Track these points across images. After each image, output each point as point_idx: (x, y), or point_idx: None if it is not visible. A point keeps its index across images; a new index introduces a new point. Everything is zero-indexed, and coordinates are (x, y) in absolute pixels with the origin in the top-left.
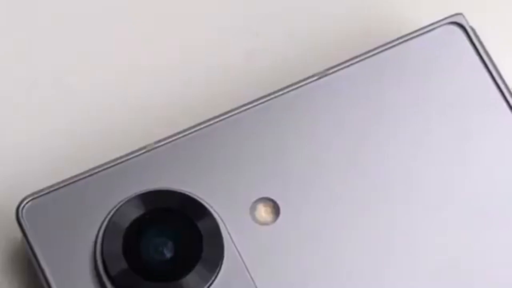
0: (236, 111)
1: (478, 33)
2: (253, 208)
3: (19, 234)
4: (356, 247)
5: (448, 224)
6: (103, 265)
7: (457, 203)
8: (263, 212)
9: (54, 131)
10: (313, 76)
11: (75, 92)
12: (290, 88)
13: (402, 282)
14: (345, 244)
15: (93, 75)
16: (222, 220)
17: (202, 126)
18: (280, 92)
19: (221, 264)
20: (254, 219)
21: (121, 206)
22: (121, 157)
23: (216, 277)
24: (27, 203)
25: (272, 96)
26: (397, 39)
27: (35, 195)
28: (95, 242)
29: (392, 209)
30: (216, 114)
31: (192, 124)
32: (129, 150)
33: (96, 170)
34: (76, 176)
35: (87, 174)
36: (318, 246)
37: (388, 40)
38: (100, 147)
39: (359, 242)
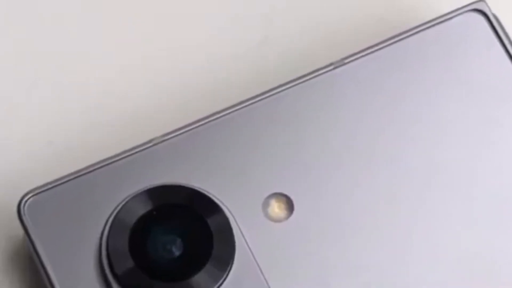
0: (247, 103)
1: (501, 20)
2: (265, 204)
3: (20, 232)
4: (376, 244)
5: (472, 214)
6: (108, 263)
7: (481, 192)
8: (276, 208)
9: (56, 126)
10: (329, 65)
11: (75, 90)
12: (305, 78)
13: (424, 278)
14: (364, 241)
15: (93, 74)
16: (233, 217)
17: (211, 118)
18: (295, 83)
19: (232, 262)
20: (267, 215)
21: (127, 202)
22: (127, 151)
23: (227, 276)
24: (28, 198)
25: (286, 86)
26: (417, 27)
27: (37, 191)
28: (100, 239)
29: (414, 203)
30: (225, 106)
31: (201, 116)
32: (135, 144)
33: (101, 164)
34: (80, 170)
35: (91, 169)
36: (335, 243)
37: (407, 28)
38: (103, 143)
39: (379, 238)
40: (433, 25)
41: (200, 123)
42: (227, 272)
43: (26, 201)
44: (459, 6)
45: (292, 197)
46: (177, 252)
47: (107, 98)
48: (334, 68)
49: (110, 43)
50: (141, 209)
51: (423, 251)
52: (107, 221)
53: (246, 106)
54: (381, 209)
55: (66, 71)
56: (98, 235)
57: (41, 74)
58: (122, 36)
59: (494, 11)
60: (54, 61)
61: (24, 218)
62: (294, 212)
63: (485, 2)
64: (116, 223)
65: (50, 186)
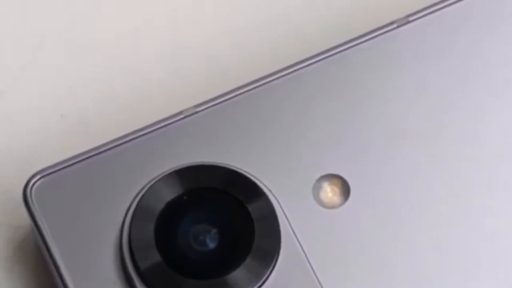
0: (294, 68)
1: None
2: (317, 188)
3: (27, 220)
4: (441, 236)
5: None
6: (130, 258)
7: None
8: (329, 192)
9: (69, 97)
10: (391, 23)
11: (90, 56)
12: (363, 39)
13: (493, 277)
14: (428, 232)
15: (111, 37)
16: (278, 202)
17: (252, 86)
18: (350, 44)
19: (277, 256)
20: (318, 201)
21: (153, 185)
22: (152, 125)
23: (271, 272)
24: (36, 181)
25: (339, 49)
26: None
27: (47, 171)
28: (121, 229)
29: (490, 192)
30: (272, 71)
31: (242, 83)
32: (163, 116)
33: (121, 141)
34: (96, 148)
35: (110, 146)
36: (395, 233)
37: None
38: (123, 116)
39: (445, 229)
40: None
41: (239, 91)
42: (271, 268)
43: (33, 184)
44: None
45: (348, 180)
46: (211, 244)
47: (128, 63)
48: (397, 27)
49: (133, 4)
50: (169, 193)
51: (496, 251)
52: (129, 208)
53: (293, 71)
54: (451, 198)
55: (79, 36)
56: (119, 225)
57: (50, 37)
58: None
59: None
60: (65, 25)
61: (31, 204)
62: (350, 197)
63: None
64: (139, 211)
65: (61, 166)
